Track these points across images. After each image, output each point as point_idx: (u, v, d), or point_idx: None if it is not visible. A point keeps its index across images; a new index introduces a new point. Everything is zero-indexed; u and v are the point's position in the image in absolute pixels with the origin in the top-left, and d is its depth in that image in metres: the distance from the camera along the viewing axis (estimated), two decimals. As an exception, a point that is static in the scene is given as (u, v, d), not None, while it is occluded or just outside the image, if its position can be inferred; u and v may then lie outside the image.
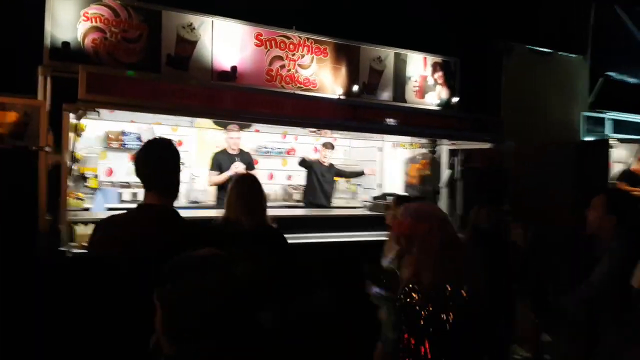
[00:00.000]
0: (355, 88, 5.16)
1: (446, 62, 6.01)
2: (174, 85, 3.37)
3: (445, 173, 5.95)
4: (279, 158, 7.79)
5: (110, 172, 6.40)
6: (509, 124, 5.46)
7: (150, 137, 5.80)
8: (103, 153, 6.35)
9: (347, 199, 7.64)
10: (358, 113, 4.28)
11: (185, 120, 5.67)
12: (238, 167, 5.34)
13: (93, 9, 3.88)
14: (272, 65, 4.80)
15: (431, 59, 5.90)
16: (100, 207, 5.22)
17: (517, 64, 6.37)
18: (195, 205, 6.38)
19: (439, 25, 5.93)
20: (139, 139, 6.37)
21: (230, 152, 5.39)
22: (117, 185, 6.21)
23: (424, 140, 6.06)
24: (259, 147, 7.43)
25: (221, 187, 5.36)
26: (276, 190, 7.62)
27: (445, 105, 5.91)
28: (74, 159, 3.98)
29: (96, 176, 5.67)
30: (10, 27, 3.64)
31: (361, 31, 5.45)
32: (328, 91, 5.10)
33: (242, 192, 2.64)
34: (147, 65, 4.08)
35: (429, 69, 5.89)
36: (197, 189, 6.67)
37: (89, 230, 3.74)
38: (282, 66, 4.87)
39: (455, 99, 5.84)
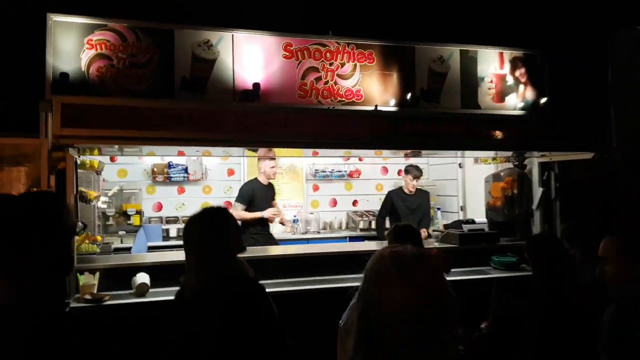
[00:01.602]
0: (409, 96, 4.29)
1: (529, 56, 4.89)
2: (162, 110, 2.86)
3: (537, 192, 4.79)
4: (341, 182, 7.08)
5: (159, 207, 6.16)
6: (620, 126, 4.20)
7: (198, 168, 5.45)
8: (151, 187, 6.15)
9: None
10: (403, 126, 3.45)
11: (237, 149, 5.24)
12: (276, 214, 4.70)
13: (97, 36, 3.55)
14: (305, 79, 4.14)
15: (509, 53, 4.83)
16: (141, 247, 4.90)
17: (628, 50, 5.03)
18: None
19: (516, 11, 4.87)
20: (185, 170, 6.08)
21: (263, 182, 4.79)
22: (164, 221, 5.93)
23: (508, 153, 4.98)
24: (316, 171, 6.80)
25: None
26: (340, 218, 6.90)
27: (532, 108, 4.78)
28: (85, 200, 3.62)
29: (138, 212, 5.41)
30: (10, 61, 3.40)
31: (415, 28, 4.60)
32: (377, 103, 4.30)
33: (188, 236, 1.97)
34: (158, 91, 3.64)
35: (508, 65, 4.82)
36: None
37: (93, 279, 3.34)
38: (318, 78, 4.18)
39: (543, 100, 4.68)
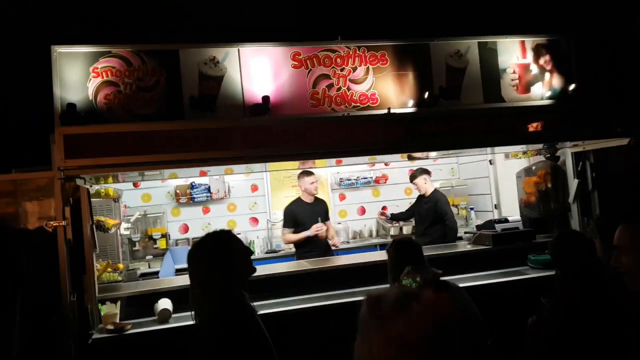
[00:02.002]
0: (427, 95, 4.09)
1: (554, 42, 4.60)
2: (169, 132, 2.78)
3: (573, 184, 4.49)
4: (368, 189, 6.89)
5: (185, 229, 6.14)
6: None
7: (221, 187, 5.43)
8: (176, 209, 6.14)
9: (459, 226, 6.40)
10: (420, 127, 3.27)
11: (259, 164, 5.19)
12: (320, 229, 4.64)
13: (103, 63, 3.53)
14: (317, 87, 4.01)
15: (531, 41, 4.56)
16: (169, 271, 4.87)
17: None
18: (274, 255, 5.79)
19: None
20: (208, 190, 6.05)
21: (307, 200, 4.73)
22: (190, 242, 5.90)
23: (539, 146, 4.71)
24: (340, 180, 6.65)
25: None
26: (370, 226, 6.72)
27: (560, 96, 4.48)
28: (103, 229, 3.60)
29: (164, 236, 5.39)
30: (23, 95, 3.42)
31: (428, 24, 4.41)
32: (393, 105, 4.12)
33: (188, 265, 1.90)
34: (167, 113, 3.59)
35: (530, 54, 4.55)
36: (276, 236, 6.09)
37: (115, 309, 3.29)
38: (330, 85, 4.04)
39: (572, 87, 4.38)
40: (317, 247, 4.74)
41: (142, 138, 2.87)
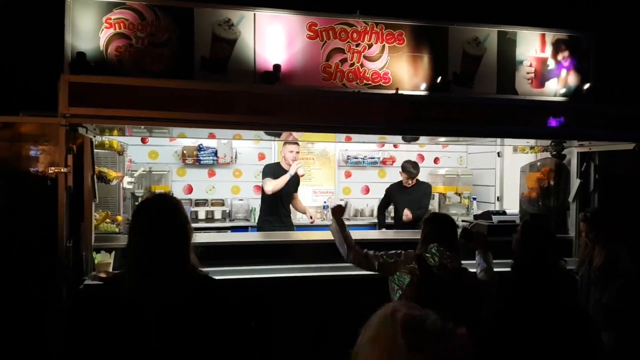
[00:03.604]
0: (439, 80, 4.04)
1: (574, 39, 4.50)
2: (174, 90, 2.79)
3: (575, 183, 4.46)
4: (375, 169, 6.89)
5: (189, 189, 6.20)
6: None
7: (228, 152, 5.45)
8: (181, 170, 6.19)
9: (459, 215, 6.42)
10: (427, 111, 3.25)
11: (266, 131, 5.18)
12: (300, 168, 4.67)
13: (116, 14, 3.52)
14: (330, 61, 3.98)
15: (552, 35, 4.47)
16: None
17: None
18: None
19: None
20: (215, 153, 6.08)
21: (284, 167, 4.74)
22: (193, 203, 5.97)
23: (546, 142, 4.67)
24: (348, 157, 6.65)
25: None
26: (372, 206, 6.73)
27: (574, 94, 4.41)
28: (105, 180, 3.65)
29: (166, 195, 5.45)
30: (29, 41, 3.42)
31: (449, 7, 4.33)
32: (405, 86, 4.09)
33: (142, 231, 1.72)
34: (177, 72, 3.59)
35: (549, 48, 4.47)
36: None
37: (109, 258, 3.37)
38: (344, 60, 4.01)
39: (586, 86, 4.31)
40: (289, 222, 4.82)
41: (149, 93, 2.87)
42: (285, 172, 4.63)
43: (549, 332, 1.98)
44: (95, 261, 3.30)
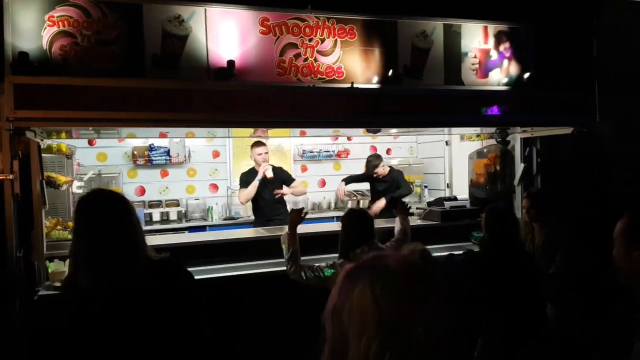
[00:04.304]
0: (390, 73, 4.15)
1: (514, 30, 4.75)
2: (127, 90, 2.72)
3: (519, 168, 4.73)
4: (330, 162, 6.98)
5: (142, 191, 6.04)
6: (604, 101, 4.11)
7: (181, 151, 5.38)
8: (132, 171, 6.01)
9: (412, 202, 6.62)
10: (382, 104, 3.34)
11: (222, 129, 5.14)
12: (267, 170, 4.69)
13: (59, 12, 3.36)
14: (284, 56, 3.99)
15: (494, 27, 4.69)
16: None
17: (614, 23, 4.93)
18: (232, 222, 5.81)
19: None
20: (167, 153, 5.95)
21: (258, 170, 4.76)
22: (146, 205, 5.82)
23: (491, 130, 4.92)
24: (303, 152, 6.70)
25: (254, 201, 4.80)
26: (329, 199, 6.83)
27: (516, 83, 4.66)
28: (54, 185, 3.50)
29: (118, 197, 5.28)
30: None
31: (398, 2, 4.44)
32: (358, 80, 4.17)
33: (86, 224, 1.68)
34: (127, 70, 3.48)
35: (492, 40, 4.69)
36: (235, 204, 6.10)
37: (63, 266, 3.24)
38: (297, 55, 4.03)
39: (527, 75, 4.57)
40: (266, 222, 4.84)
41: (99, 93, 2.77)
42: (262, 181, 4.68)
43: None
44: (49, 270, 3.17)
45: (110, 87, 2.92)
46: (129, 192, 5.92)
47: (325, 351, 0.93)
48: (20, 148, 2.92)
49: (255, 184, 4.69)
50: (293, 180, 5.07)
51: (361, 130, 5.70)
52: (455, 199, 4.69)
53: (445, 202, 4.57)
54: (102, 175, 5.45)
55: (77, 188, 4.34)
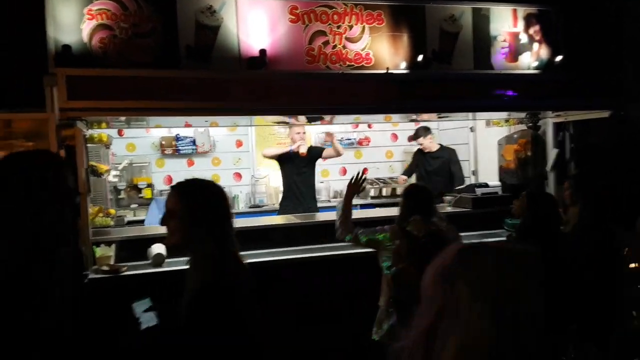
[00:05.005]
0: (420, 58, 4.15)
1: (544, 12, 4.69)
2: (168, 80, 2.79)
3: (552, 153, 4.70)
4: (351, 150, 7.01)
5: (169, 180, 6.16)
6: (636, 83, 4.05)
7: (206, 140, 5.48)
8: (160, 160, 6.13)
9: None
10: (414, 89, 3.36)
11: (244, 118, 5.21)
12: (302, 145, 4.82)
13: (97, 5, 3.45)
14: (313, 43, 4.02)
15: (523, 10, 4.64)
16: (154, 219, 4.91)
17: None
18: (257, 209, 5.89)
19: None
20: (193, 142, 6.04)
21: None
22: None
23: (522, 115, 4.89)
24: (325, 140, 6.72)
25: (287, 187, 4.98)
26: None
27: (547, 66, 4.62)
28: (96, 174, 3.61)
29: (149, 186, 5.41)
30: (11, 35, 3.30)
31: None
32: (387, 66, 4.17)
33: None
34: (163, 62, 3.55)
35: (521, 23, 4.64)
36: (260, 192, 6.18)
37: (110, 251, 3.35)
38: (326, 42, 4.06)
39: (558, 58, 4.52)
40: (297, 203, 4.94)
41: (144, 84, 2.85)
42: (293, 154, 4.79)
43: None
44: (96, 255, 3.29)
45: (151, 77, 3.00)
46: (157, 181, 6.04)
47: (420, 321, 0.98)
48: (68, 138, 3.02)
49: (284, 149, 4.88)
50: (323, 149, 5.18)
51: (382, 118, 5.71)
52: (486, 185, 4.69)
53: (476, 189, 4.57)
54: (134, 165, 5.58)
55: (113, 177, 4.47)
